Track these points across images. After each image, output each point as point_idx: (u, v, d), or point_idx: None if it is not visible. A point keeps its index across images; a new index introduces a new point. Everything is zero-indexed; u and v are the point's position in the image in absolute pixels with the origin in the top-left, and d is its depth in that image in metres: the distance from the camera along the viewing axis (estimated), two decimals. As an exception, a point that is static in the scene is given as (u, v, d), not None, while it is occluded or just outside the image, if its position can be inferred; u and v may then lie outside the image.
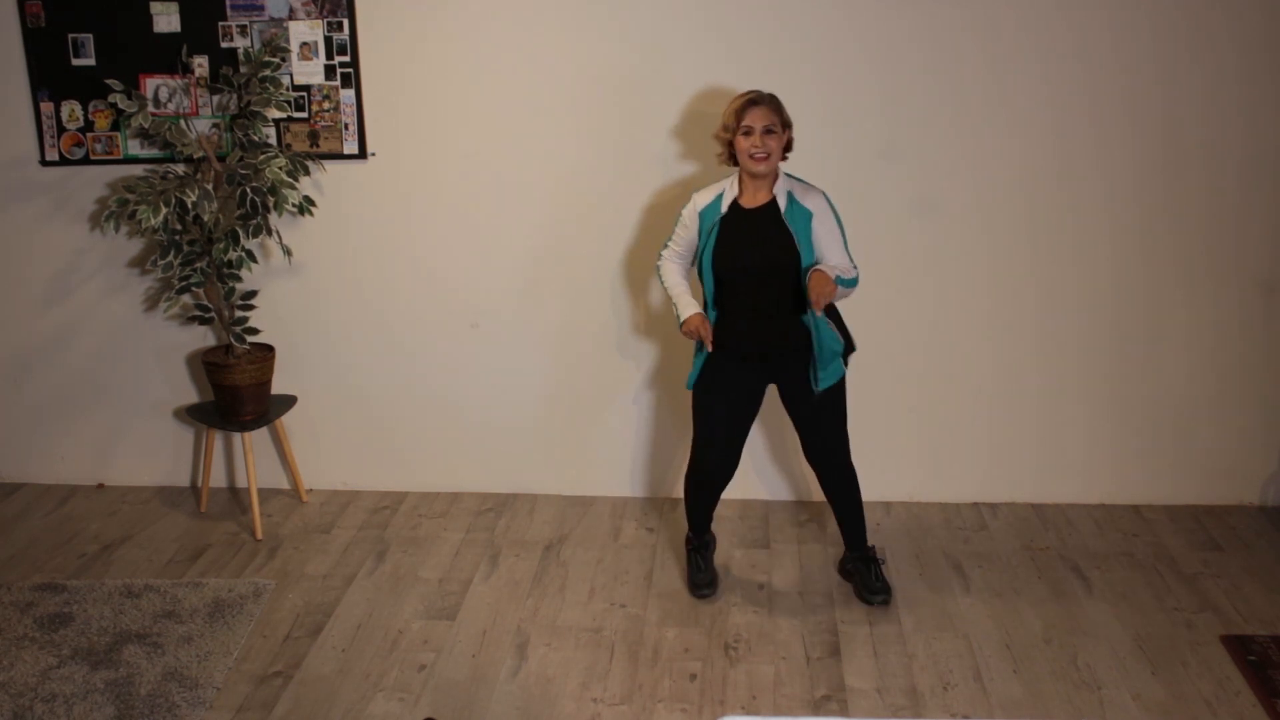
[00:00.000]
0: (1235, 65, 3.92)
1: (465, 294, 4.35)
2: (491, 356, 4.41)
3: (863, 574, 3.74)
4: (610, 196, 4.19)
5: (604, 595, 3.82)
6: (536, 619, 3.68)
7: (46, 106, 4.26)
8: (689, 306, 3.54)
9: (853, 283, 3.45)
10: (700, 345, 3.57)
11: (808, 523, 4.29)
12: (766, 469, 4.41)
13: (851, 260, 3.51)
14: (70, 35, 4.17)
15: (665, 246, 3.67)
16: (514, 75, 4.11)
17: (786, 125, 3.49)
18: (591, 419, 4.45)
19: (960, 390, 4.30)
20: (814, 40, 3.99)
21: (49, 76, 4.22)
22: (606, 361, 4.36)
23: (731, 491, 4.35)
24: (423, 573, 3.97)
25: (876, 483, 4.42)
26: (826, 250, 3.45)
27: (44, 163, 4.32)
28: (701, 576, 3.79)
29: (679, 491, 4.43)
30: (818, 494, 4.44)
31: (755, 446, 4.33)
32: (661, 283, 3.67)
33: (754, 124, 3.40)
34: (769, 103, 3.44)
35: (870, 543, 3.81)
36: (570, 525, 4.30)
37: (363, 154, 4.22)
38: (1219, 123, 3.98)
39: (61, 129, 4.27)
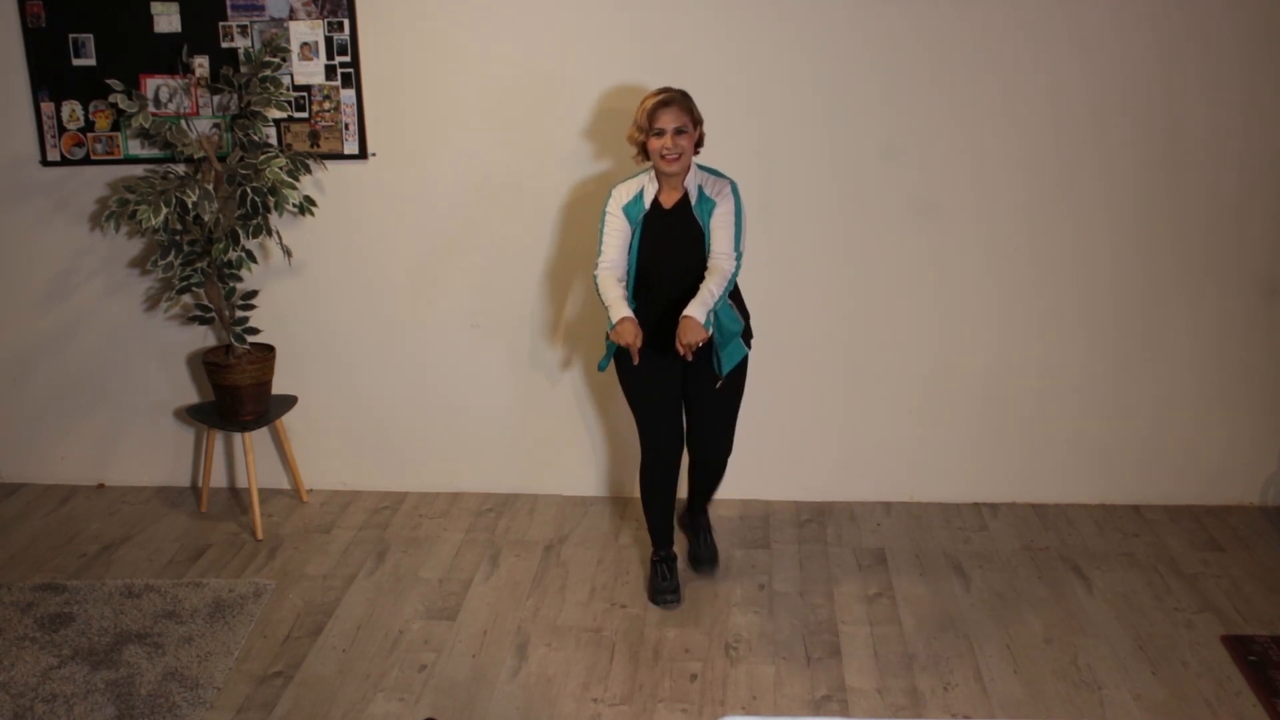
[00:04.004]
0: (1236, 66, 3.92)
1: (465, 294, 4.35)
2: (491, 356, 4.41)
3: (693, 543, 3.98)
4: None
5: (604, 595, 3.82)
6: (537, 619, 3.68)
7: (47, 106, 4.26)
8: (622, 310, 3.50)
9: (730, 282, 3.51)
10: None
11: (808, 523, 4.29)
12: (766, 469, 4.41)
13: (737, 248, 3.52)
14: (70, 35, 4.17)
15: (599, 255, 3.59)
16: (515, 74, 4.10)
17: (698, 123, 3.52)
18: (591, 419, 4.45)
19: (960, 390, 4.30)
20: (815, 40, 3.99)
21: (49, 76, 4.22)
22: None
23: (731, 491, 4.36)
24: (423, 573, 3.98)
25: (876, 483, 4.42)
26: (715, 234, 3.51)
27: (44, 163, 4.32)
28: (666, 584, 3.77)
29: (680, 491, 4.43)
30: (817, 494, 4.44)
31: (755, 446, 4.33)
32: (598, 292, 3.60)
33: (665, 125, 3.43)
34: (680, 102, 3.45)
35: (708, 514, 4.02)
36: (570, 525, 4.30)
37: (363, 154, 4.22)
38: (1220, 123, 3.98)
39: (62, 129, 4.27)
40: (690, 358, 3.44)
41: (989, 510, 4.36)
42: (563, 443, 4.49)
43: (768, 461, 4.40)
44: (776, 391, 4.25)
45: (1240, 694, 3.24)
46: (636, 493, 4.51)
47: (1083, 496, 4.39)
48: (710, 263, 3.51)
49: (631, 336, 3.45)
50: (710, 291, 3.44)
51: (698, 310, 3.41)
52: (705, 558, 3.90)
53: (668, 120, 3.42)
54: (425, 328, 4.40)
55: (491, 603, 3.78)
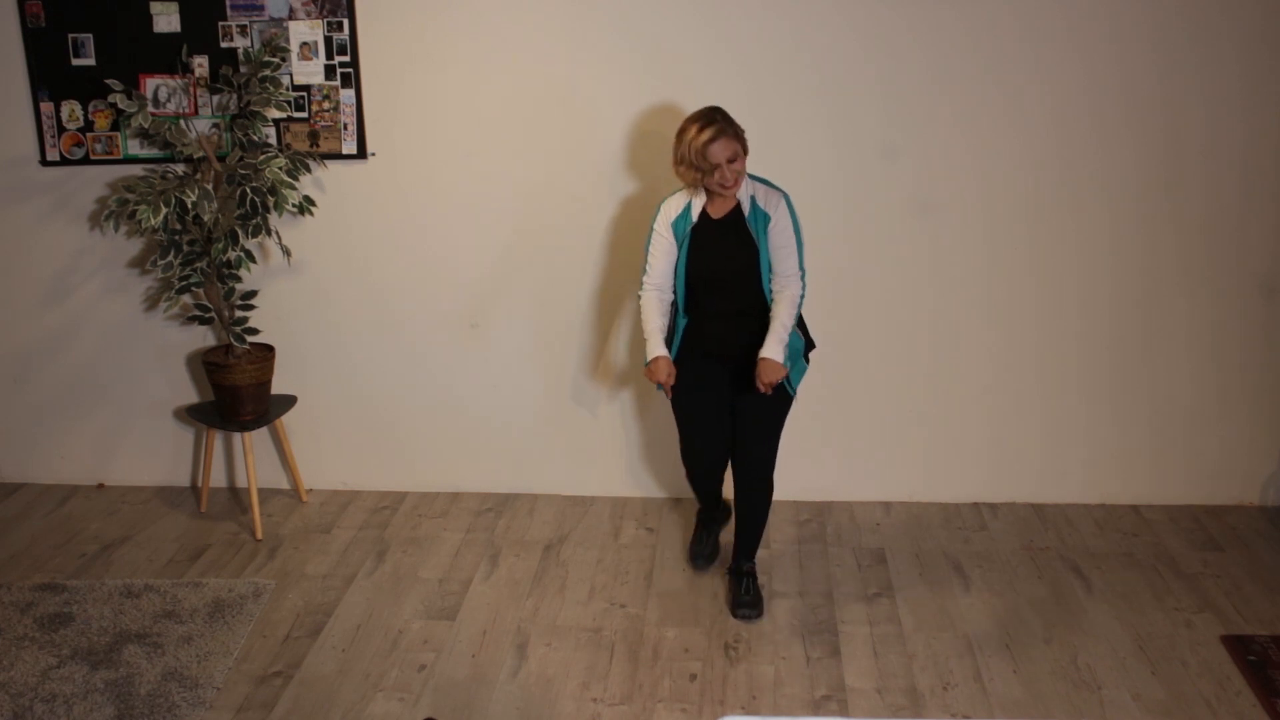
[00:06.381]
0: (1236, 66, 3.92)
1: (465, 294, 4.35)
2: (491, 356, 4.41)
3: (735, 588, 3.74)
4: (614, 196, 4.19)
5: (604, 595, 3.82)
6: (536, 619, 3.68)
7: (46, 106, 4.25)
8: (657, 348, 3.58)
9: (799, 305, 3.54)
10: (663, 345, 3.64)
11: (808, 523, 4.29)
12: (766, 469, 4.41)
13: (801, 267, 3.54)
14: (70, 35, 4.17)
15: (644, 273, 3.62)
16: (514, 74, 4.10)
17: (741, 137, 3.45)
18: (591, 419, 4.45)
19: (961, 390, 4.30)
20: (814, 40, 3.99)
21: (49, 76, 4.22)
22: (607, 361, 4.36)
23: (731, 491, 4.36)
24: (423, 573, 3.98)
25: (876, 483, 4.42)
26: (777, 255, 3.51)
27: (44, 163, 4.32)
28: (700, 548, 3.90)
29: (679, 491, 4.43)
30: (817, 494, 4.44)
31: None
32: (641, 314, 3.63)
33: (719, 160, 3.39)
34: (725, 131, 3.39)
35: (754, 561, 3.77)
36: (570, 525, 4.30)
37: (363, 154, 4.22)
38: (1220, 123, 3.98)
39: (61, 129, 4.27)
40: (771, 393, 3.50)
41: (989, 510, 4.36)
42: (563, 443, 4.49)
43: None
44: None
45: (1240, 694, 3.24)
46: (636, 493, 4.51)
47: (1083, 496, 4.38)
48: (776, 287, 3.52)
49: (664, 375, 3.55)
50: (783, 324, 3.48)
51: (775, 350, 3.46)
52: (745, 603, 3.67)
53: (720, 154, 3.38)
54: (425, 328, 4.40)
55: (491, 602, 3.78)
